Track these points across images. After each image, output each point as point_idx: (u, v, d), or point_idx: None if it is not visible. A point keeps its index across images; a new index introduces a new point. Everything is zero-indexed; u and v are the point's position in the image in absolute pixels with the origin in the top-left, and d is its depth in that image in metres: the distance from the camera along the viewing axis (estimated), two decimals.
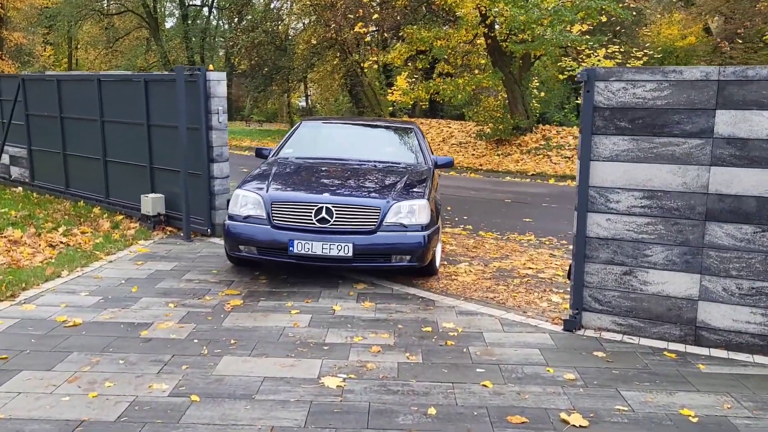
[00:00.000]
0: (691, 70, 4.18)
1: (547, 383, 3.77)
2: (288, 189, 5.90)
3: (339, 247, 5.43)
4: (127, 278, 5.80)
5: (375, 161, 6.83)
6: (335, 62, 23.44)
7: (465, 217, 9.86)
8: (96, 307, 4.99)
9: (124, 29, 39.22)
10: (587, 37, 19.37)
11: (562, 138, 18.00)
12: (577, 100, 25.08)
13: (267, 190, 5.80)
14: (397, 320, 4.83)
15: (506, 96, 18.23)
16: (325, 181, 6.14)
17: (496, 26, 16.61)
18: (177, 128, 7.24)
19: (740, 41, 24.46)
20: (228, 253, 6.01)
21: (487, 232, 8.61)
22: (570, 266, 4.83)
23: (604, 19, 19.32)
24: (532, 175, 15.25)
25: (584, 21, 16.41)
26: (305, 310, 5.01)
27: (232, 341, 4.33)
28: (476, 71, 21.17)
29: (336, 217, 5.54)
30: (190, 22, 37.75)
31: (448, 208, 10.48)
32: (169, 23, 43.72)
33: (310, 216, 5.55)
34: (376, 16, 19.03)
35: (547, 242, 8.11)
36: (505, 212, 10.36)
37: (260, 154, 7.26)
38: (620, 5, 17.95)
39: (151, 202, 7.65)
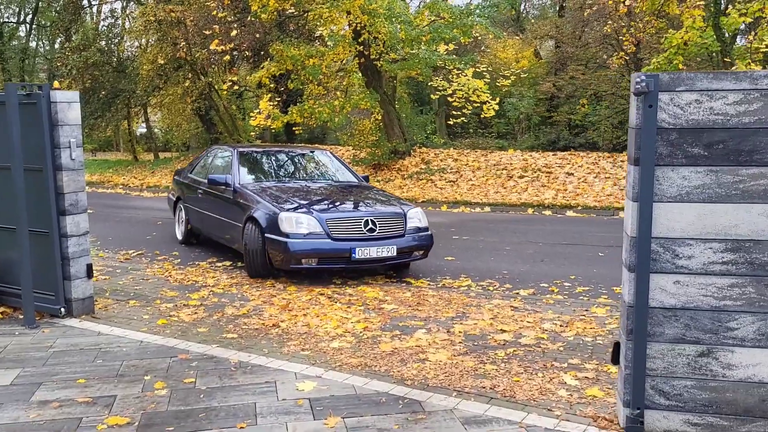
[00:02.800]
0: None
1: None
2: (330, 208, 7.17)
3: (387, 249, 6.86)
4: None
5: (336, 182, 8.51)
6: (186, 84, 21.12)
7: None
8: None
9: None
10: (455, 57, 18.89)
11: (441, 161, 17.19)
12: (446, 121, 24.71)
13: (312, 212, 6.91)
14: None
15: (380, 118, 17.14)
16: (337, 199, 7.68)
17: (371, 45, 15.47)
18: (8, 169, 5.14)
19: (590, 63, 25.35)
20: (289, 267, 6.81)
21: (417, 279, 7.23)
22: (616, 346, 3.54)
23: (465, 40, 18.98)
24: (423, 202, 14.17)
25: (462, 37, 15.73)
26: None
27: None
28: (338, 93, 19.93)
29: (379, 227, 6.95)
30: (5, 41, 33.14)
31: None
32: None
33: (361, 228, 6.88)
34: (234, 32, 17.18)
35: (492, 288, 6.88)
36: None
37: (219, 181, 7.87)
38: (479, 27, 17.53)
39: None
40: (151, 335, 5.07)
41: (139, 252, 8.94)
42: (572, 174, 15.17)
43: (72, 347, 4.75)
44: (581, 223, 11.38)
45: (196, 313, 5.72)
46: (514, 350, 4.73)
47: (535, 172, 15.55)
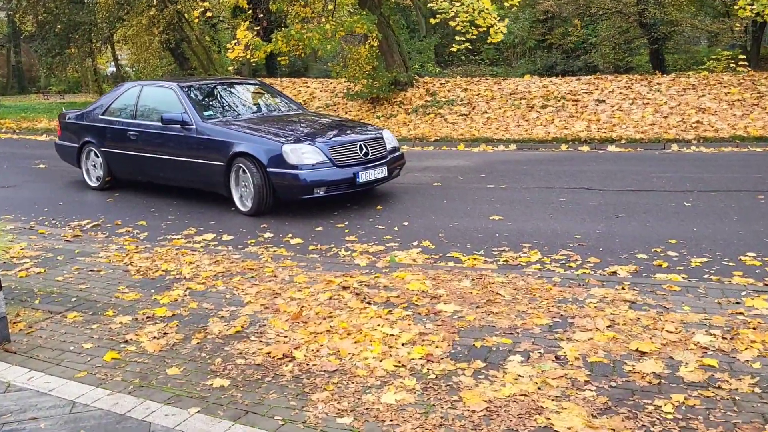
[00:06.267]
0: None
1: None
2: (328, 136, 7.20)
3: (381, 172, 7.16)
4: None
5: (290, 111, 8.52)
6: (152, 13, 18.53)
7: (404, 224, 6.51)
8: None
9: None
10: None
11: (449, 91, 15.05)
12: (450, 48, 22.50)
13: (314, 142, 6.93)
14: None
15: (377, 44, 14.87)
16: (320, 128, 7.75)
17: None
18: None
19: None
20: (300, 199, 6.89)
21: (468, 255, 5.36)
22: None
23: None
24: (435, 141, 12.16)
25: None
26: None
27: None
28: (327, 17, 17.49)
29: (371, 151, 7.15)
30: None
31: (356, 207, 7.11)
32: None
33: (357, 153, 7.03)
34: None
35: (574, 265, 5.05)
36: (450, 206, 7.16)
37: (176, 120, 7.40)
38: None
39: None
40: (93, 387, 3.18)
41: (96, 223, 6.98)
42: (603, 101, 13.15)
43: None
44: (633, 161, 9.49)
45: (165, 333, 3.82)
46: (684, 399, 2.90)
47: (559, 101, 13.52)
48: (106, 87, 27.62)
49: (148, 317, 4.07)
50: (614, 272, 4.82)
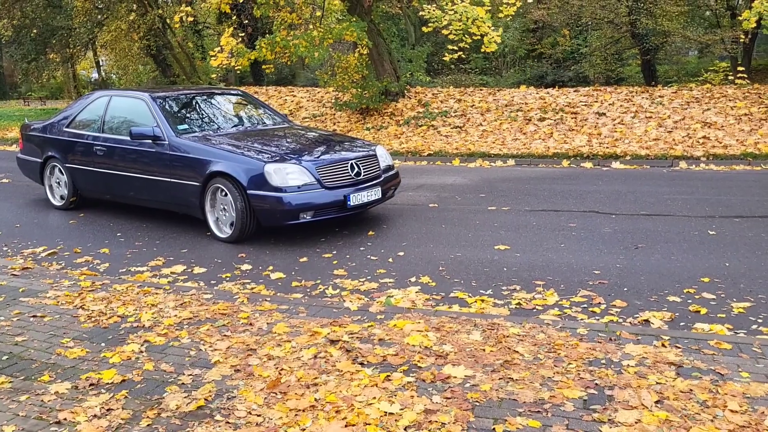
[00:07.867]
0: None
1: None
2: (316, 154, 6.50)
3: (375, 193, 6.48)
4: None
5: (275, 124, 7.79)
6: (131, 18, 17.75)
7: (400, 254, 5.81)
8: None
9: None
10: None
11: (441, 102, 14.39)
12: (443, 56, 21.95)
13: (299, 161, 6.18)
14: None
15: (367, 52, 14.20)
16: (307, 145, 6.96)
17: None
18: None
19: None
20: (283, 224, 6.20)
21: (476, 297, 4.67)
22: None
23: None
24: (429, 155, 11.48)
25: None
26: None
27: None
28: (314, 24, 16.82)
29: (363, 170, 6.46)
30: None
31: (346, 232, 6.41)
32: None
33: (348, 173, 6.33)
34: None
35: (598, 310, 4.36)
36: (450, 233, 6.47)
37: (146, 134, 6.70)
38: None
39: None
40: None
41: (53, 250, 6.22)
42: (604, 114, 12.55)
43: None
44: (642, 180, 8.86)
45: (109, 409, 3.08)
46: None
47: (557, 113, 12.90)
48: (86, 93, 26.77)
49: (91, 384, 3.33)
50: (647, 320, 4.15)
